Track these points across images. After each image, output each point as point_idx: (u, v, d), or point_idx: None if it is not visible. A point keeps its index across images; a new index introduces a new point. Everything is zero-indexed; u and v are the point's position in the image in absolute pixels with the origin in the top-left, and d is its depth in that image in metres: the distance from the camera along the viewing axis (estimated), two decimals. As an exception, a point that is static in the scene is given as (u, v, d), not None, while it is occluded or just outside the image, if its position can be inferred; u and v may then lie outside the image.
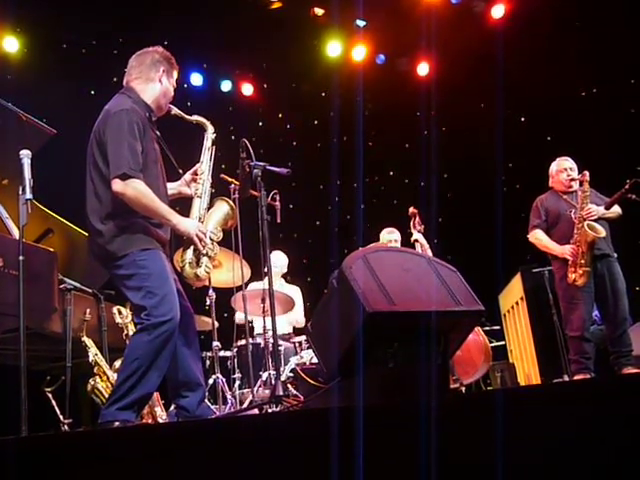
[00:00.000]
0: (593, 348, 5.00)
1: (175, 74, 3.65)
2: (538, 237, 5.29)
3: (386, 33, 7.92)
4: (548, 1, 7.31)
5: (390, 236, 6.02)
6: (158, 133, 3.56)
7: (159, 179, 3.46)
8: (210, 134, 3.75)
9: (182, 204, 3.70)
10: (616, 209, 5.18)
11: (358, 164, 7.42)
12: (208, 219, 3.60)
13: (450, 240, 7.16)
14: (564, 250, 5.08)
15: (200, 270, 3.46)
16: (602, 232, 4.96)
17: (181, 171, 3.69)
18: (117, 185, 3.22)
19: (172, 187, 3.67)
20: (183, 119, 3.70)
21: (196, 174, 3.68)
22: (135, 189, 3.23)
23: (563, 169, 5.35)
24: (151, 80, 3.52)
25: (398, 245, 5.97)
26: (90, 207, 3.35)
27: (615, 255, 5.14)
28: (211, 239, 3.52)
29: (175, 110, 3.67)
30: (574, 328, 5.01)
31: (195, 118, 3.75)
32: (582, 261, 4.96)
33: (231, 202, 3.77)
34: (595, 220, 5.04)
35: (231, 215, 3.72)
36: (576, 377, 4.93)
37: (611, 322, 5.03)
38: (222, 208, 3.69)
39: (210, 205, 3.65)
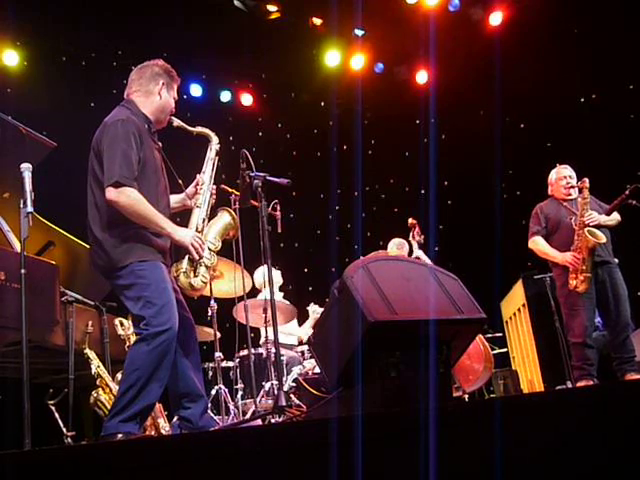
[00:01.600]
0: (596, 354, 5.00)
1: (176, 87, 3.63)
2: (538, 244, 5.29)
3: (384, 42, 7.96)
4: (546, 8, 7.33)
5: (400, 251, 6.04)
6: (159, 143, 3.57)
7: (159, 188, 3.44)
8: (214, 145, 3.74)
9: (182, 215, 3.70)
10: (615, 216, 5.18)
11: (358, 173, 7.44)
12: (209, 229, 3.59)
13: (451, 247, 7.17)
14: (565, 257, 5.08)
15: (195, 280, 3.44)
16: (602, 238, 4.96)
17: (181, 181, 3.68)
18: (110, 193, 3.22)
19: (176, 200, 3.66)
20: (186, 131, 3.69)
21: (198, 184, 3.68)
22: (128, 197, 3.22)
23: (562, 177, 5.36)
24: (150, 93, 3.51)
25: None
26: (91, 218, 3.37)
27: (616, 261, 5.14)
28: (209, 249, 3.52)
29: (177, 122, 3.65)
30: (576, 335, 5.01)
31: (198, 130, 3.74)
32: (583, 267, 4.97)
33: (233, 212, 3.76)
34: (596, 227, 5.04)
35: (232, 225, 3.71)
36: (579, 384, 4.92)
37: (613, 328, 5.03)
38: (223, 218, 3.69)
39: (213, 215, 3.65)
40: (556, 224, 5.25)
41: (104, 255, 3.30)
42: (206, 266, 3.47)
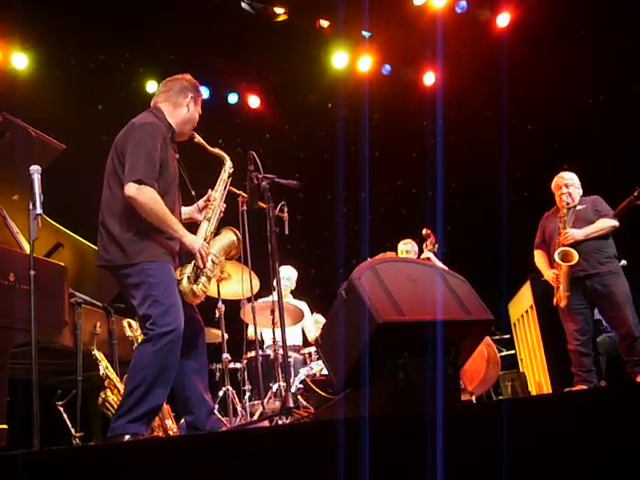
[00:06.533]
0: (592, 360, 4.99)
1: (200, 102, 3.74)
2: (535, 258, 5.36)
3: (392, 43, 7.94)
4: (553, 9, 7.31)
5: (403, 247, 6.10)
6: (177, 155, 3.62)
7: (175, 197, 3.52)
8: (228, 167, 3.84)
9: (189, 226, 3.72)
10: (602, 225, 5.05)
11: (365, 174, 7.43)
12: (213, 244, 3.64)
13: (459, 249, 7.15)
14: (548, 275, 5.16)
15: (197, 287, 3.47)
16: (574, 258, 4.91)
17: (194, 193, 3.74)
18: (130, 189, 3.27)
19: (185, 212, 3.74)
20: (204, 149, 3.78)
21: (209, 200, 3.75)
22: (147, 195, 3.28)
23: (558, 186, 5.29)
24: (179, 105, 3.62)
25: (413, 256, 5.99)
26: (107, 214, 3.40)
27: (620, 264, 5.07)
28: (213, 261, 3.55)
29: (198, 138, 3.76)
30: (569, 341, 5.08)
31: (216, 151, 3.83)
32: (562, 285, 4.98)
33: (238, 233, 3.79)
34: (579, 242, 4.98)
35: (236, 245, 3.76)
36: (574, 389, 4.92)
37: (618, 333, 5.03)
38: (228, 236, 3.74)
39: (217, 233, 3.70)
40: (550, 237, 5.25)
41: (117, 250, 3.33)
42: (208, 277, 3.52)
